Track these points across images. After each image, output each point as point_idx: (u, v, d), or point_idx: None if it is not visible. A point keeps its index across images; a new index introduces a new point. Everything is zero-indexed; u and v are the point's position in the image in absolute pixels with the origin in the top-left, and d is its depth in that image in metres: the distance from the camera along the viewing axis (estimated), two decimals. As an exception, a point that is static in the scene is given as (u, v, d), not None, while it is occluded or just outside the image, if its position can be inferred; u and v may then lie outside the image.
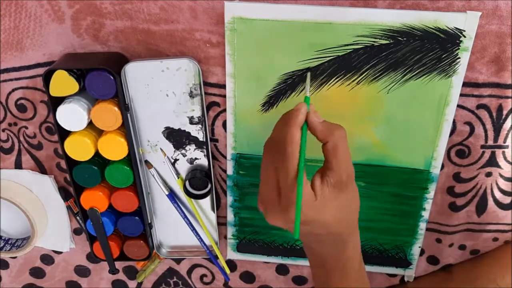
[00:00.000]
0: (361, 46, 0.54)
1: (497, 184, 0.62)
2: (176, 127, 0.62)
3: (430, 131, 0.58)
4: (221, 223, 0.70)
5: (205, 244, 0.70)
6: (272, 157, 0.47)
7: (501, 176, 0.61)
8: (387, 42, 0.53)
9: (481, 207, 0.64)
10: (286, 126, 0.46)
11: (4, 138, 0.67)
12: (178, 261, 0.76)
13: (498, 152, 0.60)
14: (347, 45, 0.54)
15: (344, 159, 0.47)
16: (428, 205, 0.64)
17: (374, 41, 0.53)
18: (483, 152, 0.60)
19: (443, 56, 0.54)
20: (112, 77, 0.55)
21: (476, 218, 0.65)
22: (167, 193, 0.66)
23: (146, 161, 0.64)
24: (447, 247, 0.68)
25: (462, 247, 0.68)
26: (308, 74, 0.56)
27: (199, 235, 0.69)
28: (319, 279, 0.57)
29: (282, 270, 0.74)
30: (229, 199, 0.67)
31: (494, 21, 0.52)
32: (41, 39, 0.59)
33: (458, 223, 0.66)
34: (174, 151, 0.64)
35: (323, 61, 0.55)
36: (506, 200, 0.63)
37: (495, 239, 0.67)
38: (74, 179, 0.63)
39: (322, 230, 0.48)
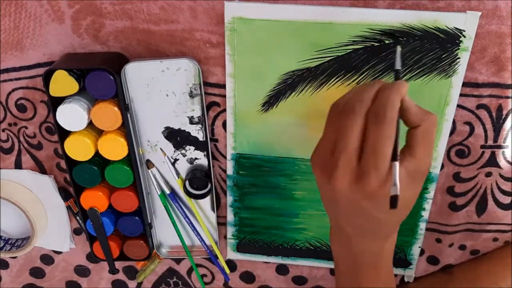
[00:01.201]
0: (361, 46, 0.54)
1: (497, 184, 0.62)
2: (176, 127, 0.62)
3: (430, 131, 0.58)
4: (221, 223, 0.70)
5: (205, 244, 0.70)
6: (358, 121, 0.43)
7: (501, 176, 0.61)
8: (387, 42, 0.53)
9: (481, 207, 0.64)
10: (389, 92, 0.43)
11: (4, 138, 0.67)
12: (178, 261, 0.76)
13: (498, 152, 0.60)
14: (347, 45, 0.54)
15: (430, 148, 0.44)
16: (428, 205, 0.64)
17: (374, 41, 0.53)
18: (483, 152, 0.60)
19: (443, 56, 0.54)
20: (112, 77, 0.55)
21: (476, 218, 0.65)
22: (168, 192, 0.66)
23: (148, 161, 0.64)
24: (447, 247, 0.68)
25: (462, 247, 0.68)
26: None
27: (199, 235, 0.69)
28: (346, 277, 0.53)
29: (282, 270, 0.74)
30: (229, 199, 0.67)
31: (494, 21, 0.52)
32: (41, 39, 0.59)
33: (458, 223, 0.66)
34: (174, 151, 0.64)
35: (323, 61, 0.55)
36: (506, 200, 0.63)
37: (495, 239, 0.67)
38: (74, 179, 0.63)
39: (381, 213, 0.44)
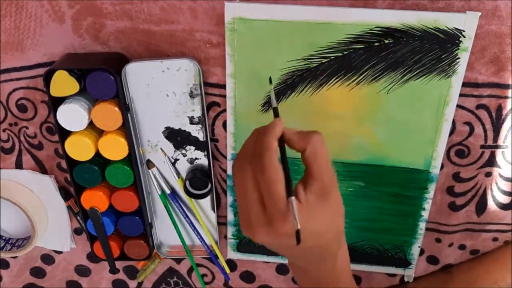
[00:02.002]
0: (361, 46, 0.54)
1: (496, 184, 0.62)
2: (177, 127, 0.62)
3: (429, 131, 0.58)
4: (221, 222, 0.70)
5: (205, 244, 0.70)
6: (248, 173, 0.45)
7: (500, 176, 0.61)
8: (387, 42, 0.53)
9: (481, 207, 0.64)
10: (262, 137, 0.45)
11: (4, 138, 0.67)
12: (178, 260, 0.76)
13: (498, 152, 0.60)
14: (347, 45, 0.54)
15: (325, 164, 0.45)
16: (427, 205, 0.64)
17: (374, 41, 0.54)
18: (483, 152, 0.60)
19: (443, 56, 0.54)
20: (112, 77, 0.56)
21: (475, 218, 0.65)
22: (168, 192, 0.66)
23: (148, 161, 0.64)
24: (447, 247, 0.68)
25: (462, 247, 0.68)
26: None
27: (199, 235, 0.69)
28: None
29: (282, 270, 0.75)
30: (229, 199, 0.67)
31: (493, 22, 0.52)
32: (42, 39, 0.59)
33: (458, 223, 0.66)
34: (174, 151, 0.64)
35: (323, 61, 0.56)
36: (505, 200, 0.63)
37: (495, 239, 0.67)
38: (75, 179, 0.63)
39: (310, 242, 0.45)
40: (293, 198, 0.43)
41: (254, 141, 0.46)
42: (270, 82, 0.55)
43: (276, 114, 0.50)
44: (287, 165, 0.45)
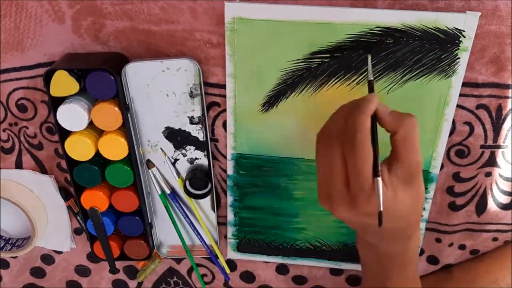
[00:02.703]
0: (361, 46, 0.54)
1: (496, 184, 0.62)
2: (177, 127, 0.62)
3: (429, 131, 0.58)
4: (221, 222, 0.70)
5: (205, 244, 0.70)
6: (334, 148, 0.44)
7: (500, 176, 0.61)
8: (387, 42, 0.53)
9: (481, 207, 0.64)
10: (355, 114, 0.43)
11: (4, 138, 0.67)
12: (178, 260, 0.76)
13: (498, 152, 0.60)
14: (347, 45, 0.54)
15: (414, 150, 0.44)
16: (427, 205, 0.64)
17: (374, 41, 0.54)
18: (483, 152, 0.60)
19: (443, 56, 0.54)
20: (112, 77, 0.56)
21: (475, 218, 0.65)
22: (168, 192, 0.66)
23: (148, 161, 0.65)
24: (447, 247, 0.68)
25: (462, 247, 0.68)
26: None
27: (199, 235, 0.69)
28: (374, 281, 0.54)
29: (282, 270, 0.75)
30: (229, 199, 0.67)
31: (493, 21, 0.52)
32: (42, 39, 0.59)
33: (458, 223, 0.66)
34: (174, 151, 0.64)
35: (323, 61, 0.55)
36: (505, 200, 0.63)
37: (495, 239, 0.67)
38: (75, 179, 0.63)
39: (389, 224, 0.44)
40: (379, 178, 0.42)
41: (345, 117, 0.45)
42: (369, 52, 0.53)
43: (371, 89, 0.48)
44: (377, 144, 0.43)
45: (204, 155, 0.64)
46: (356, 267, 0.71)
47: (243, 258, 0.73)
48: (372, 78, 0.49)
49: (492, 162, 0.60)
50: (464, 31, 0.52)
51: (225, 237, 0.71)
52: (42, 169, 0.69)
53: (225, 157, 0.64)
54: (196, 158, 0.64)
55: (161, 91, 0.59)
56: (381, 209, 0.41)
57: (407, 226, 0.48)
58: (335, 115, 0.46)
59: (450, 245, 0.68)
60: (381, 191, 0.42)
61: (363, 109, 0.44)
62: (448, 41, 0.53)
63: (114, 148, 0.60)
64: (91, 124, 0.59)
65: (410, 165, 0.44)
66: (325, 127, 0.46)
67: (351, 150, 0.43)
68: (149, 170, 0.65)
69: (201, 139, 0.62)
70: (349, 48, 0.54)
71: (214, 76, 0.59)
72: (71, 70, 0.55)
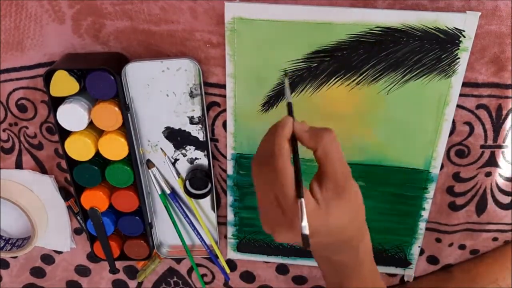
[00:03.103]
0: (361, 46, 0.54)
1: (496, 184, 0.62)
2: (177, 127, 0.62)
3: (429, 131, 0.58)
4: (221, 222, 0.70)
5: (205, 244, 0.70)
6: (264, 174, 0.45)
7: (500, 176, 0.61)
8: (387, 42, 0.53)
9: (481, 207, 0.64)
10: (272, 139, 0.44)
11: (4, 138, 0.67)
12: (178, 260, 0.76)
13: (498, 152, 0.60)
14: (347, 45, 0.54)
15: (338, 162, 0.45)
16: (427, 205, 0.64)
17: (374, 41, 0.54)
18: (483, 152, 0.60)
19: (443, 56, 0.54)
20: (112, 77, 0.56)
21: (475, 218, 0.65)
22: (168, 192, 0.66)
23: (148, 161, 0.65)
24: (447, 247, 0.68)
25: (462, 247, 0.68)
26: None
27: (199, 235, 0.69)
28: (333, 283, 0.55)
29: (282, 270, 0.75)
30: (229, 199, 0.67)
31: (493, 21, 0.52)
32: (42, 39, 0.59)
33: (458, 223, 0.66)
34: (174, 151, 0.64)
35: (323, 61, 0.55)
36: (505, 200, 0.63)
37: (495, 239, 0.67)
38: (75, 179, 0.63)
39: (331, 238, 0.46)
40: (302, 200, 0.42)
41: (267, 141, 0.46)
42: (285, 75, 0.55)
43: (290, 110, 0.49)
44: (299, 165, 0.44)
45: (204, 155, 0.64)
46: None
47: (243, 258, 0.73)
48: (290, 101, 0.50)
49: (492, 162, 0.60)
50: (464, 31, 0.52)
51: (225, 237, 0.71)
52: (42, 169, 0.69)
53: (225, 157, 0.64)
54: (196, 158, 0.64)
55: (161, 91, 0.59)
56: (305, 232, 0.41)
57: (349, 238, 0.48)
58: (264, 138, 0.47)
59: (450, 245, 0.68)
60: (304, 213, 0.42)
61: (279, 133, 0.45)
62: (448, 41, 0.53)
63: (114, 148, 0.60)
64: (91, 124, 0.59)
65: (337, 178, 0.45)
66: (257, 151, 0.47)
67: (274, 175, 0.43)
68: (149, 170, 0.65)
69: (201, 139, 0.62)
70: (349, 48, 0.54)
71: (214, 76, 0.59)
72: (71, 70, 0.55)
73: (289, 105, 0.49)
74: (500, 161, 0.60)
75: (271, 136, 0.45)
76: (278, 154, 0.44)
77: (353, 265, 0.52)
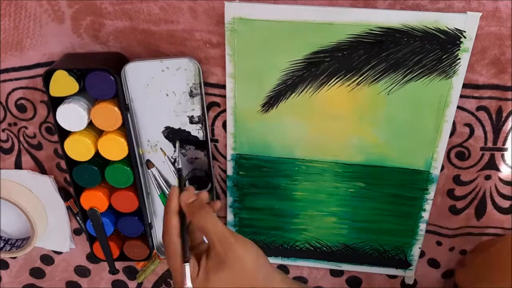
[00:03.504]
0: (361, 47, 0.54)
1: (496, 187, 0.62)
2: (176, 127, 0.62)
3: (430, 132, 0.58)
4: (221, 223, 0.70)
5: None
6: (165, 247, 0.50)
7: (500, 179, 0.61)
8: (387, 42, 0.53)
9: (480, 211, 0.64)
10: (164, 213, 0.50)
11: (4, 138, 0.67)
12: (178, 261, 0.76)
13: (498, 155, 0.59)
14: (347, 45, 0.54)
15: (214, 236, 0.47)
16: (428, 206, 0.63)
17: (374, 42, 0.53)
18: (483, 154, 0.60)
19: (443, 57, 0.54)
20: (112, 77, 0.55)
21: (475, 221, 0.65)
22: (168, 192, 0.66)
23: (148, 161, 0.64)
24: (448, 251, 0.68)
25: (462, 252, 0.68)
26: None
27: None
28: None
29: (282, 270, 0.74)
30: (229, 199, 0.67)
31: (494, 23, 0.52)
32: (41, 39, 0.59)
33: (458, 226, 0.65)
34: (174, 151, 0.64)
35: (323, 61, 0.55)
36: (505, 204, 0.63)
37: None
38: (74, 179, 0.63)
39: None
40: (186, 265, 0.48)
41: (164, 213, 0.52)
42: (178, 139, 0.60)
43: (180, 178, 0.55)
44: (185, 235, 0.50)
45: (204, 154, 0.64)
46: (356, 268, 0.70)
47: (242, 259, 0.72)
48: (180, 166, 0.54)
49: (492, 164, 0.60)
50: (464, 31, 0.52)
51: (225, 238, 0.71)
52: (42, 169, 0.69)
53: (225, 157, 0.64)
54: (196, 158, 0.64)
55: (161, 90, 0.59)
56: None
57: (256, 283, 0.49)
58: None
59: (451, 249, 0.68)
60: (187, 275, 0.47)
61: (166, 210, 0.50)
62: (448, 41, 0.52)
63: (114, 148, 0.60)
64: (90, 124, 0.59)
65: (215, 249, 0.48)
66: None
67: (167, 250, 0.50)
68: (149, 170, 0.65)
69: (201, 138, 0.62)
70: (350, 49, 0.54)
71: (214, 76, 0.59)
72: (71, 70, 0.55)
73: (179, 172, 0.54)
74: (500, 164, 0.60)
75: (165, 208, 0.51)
76: (165, 232, 0.50)
77: None
